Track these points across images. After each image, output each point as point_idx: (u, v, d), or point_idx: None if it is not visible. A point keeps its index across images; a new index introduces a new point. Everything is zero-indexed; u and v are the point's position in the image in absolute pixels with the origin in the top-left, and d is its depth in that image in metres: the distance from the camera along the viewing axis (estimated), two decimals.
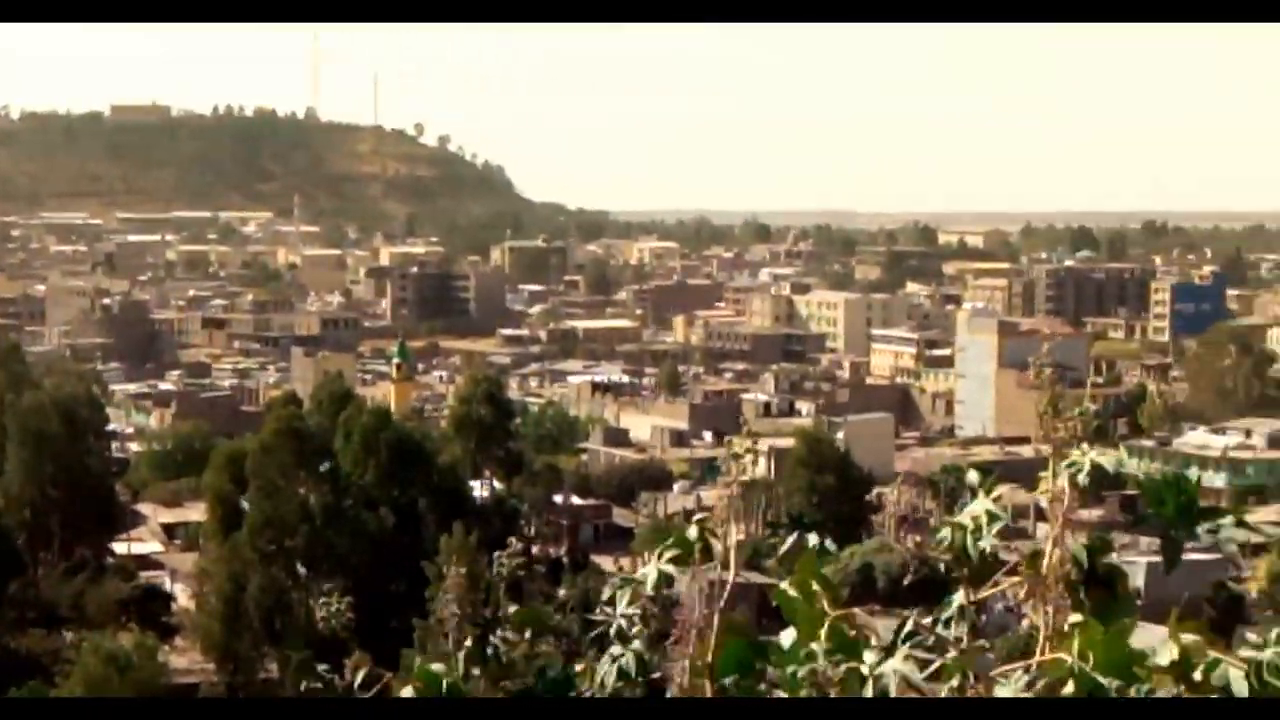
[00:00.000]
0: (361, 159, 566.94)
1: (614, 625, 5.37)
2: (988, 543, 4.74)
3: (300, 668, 6.56)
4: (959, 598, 4.72)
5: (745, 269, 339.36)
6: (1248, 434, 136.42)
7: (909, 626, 4.59)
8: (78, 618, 76.93)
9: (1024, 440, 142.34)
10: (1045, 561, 4.65)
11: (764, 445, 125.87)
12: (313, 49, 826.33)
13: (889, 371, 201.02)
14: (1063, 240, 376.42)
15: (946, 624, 4.69)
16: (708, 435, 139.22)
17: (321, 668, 6.53)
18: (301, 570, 76.56)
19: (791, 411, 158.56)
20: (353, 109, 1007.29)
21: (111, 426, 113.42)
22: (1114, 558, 5.08)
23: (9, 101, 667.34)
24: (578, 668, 5.65)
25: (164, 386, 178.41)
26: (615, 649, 5.31)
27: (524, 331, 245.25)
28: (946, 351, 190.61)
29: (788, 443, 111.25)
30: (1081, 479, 4.90)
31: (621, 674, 5.26)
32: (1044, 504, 4.99)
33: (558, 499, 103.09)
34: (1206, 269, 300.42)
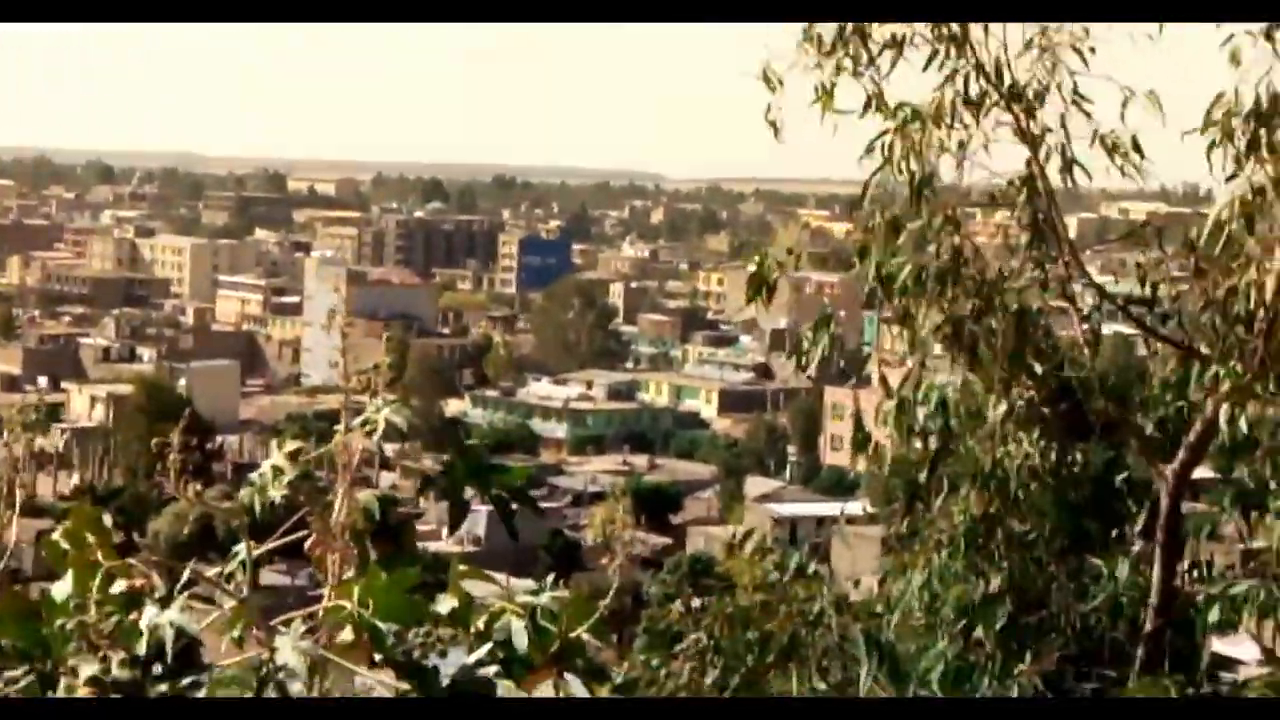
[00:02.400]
0: None
1: None
2: (277, 495, 4.73)
3: None
4: (242, 550, 4.68)
5: (87, 210, 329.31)
6: (589, 386, 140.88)
7: (186, 576, 4.50)
8: None
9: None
10: (334, 514, 4.65)
11: (102, 391, 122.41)
12: None
13: (235, 318, 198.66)
14: (413, 191, 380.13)
15: (229, 577, 4.64)
16: (43, 380, 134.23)
17: None
18: None
19: (133, 358, 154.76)
20: None
21: None
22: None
23: None
24: None
25: None
26: None
27: None
28: (295, 299, 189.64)
29: (129, 390, 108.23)
30: (376, 436, 4.86)
31: None
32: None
33: None
34: (554, 224, 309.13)
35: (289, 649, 4.23)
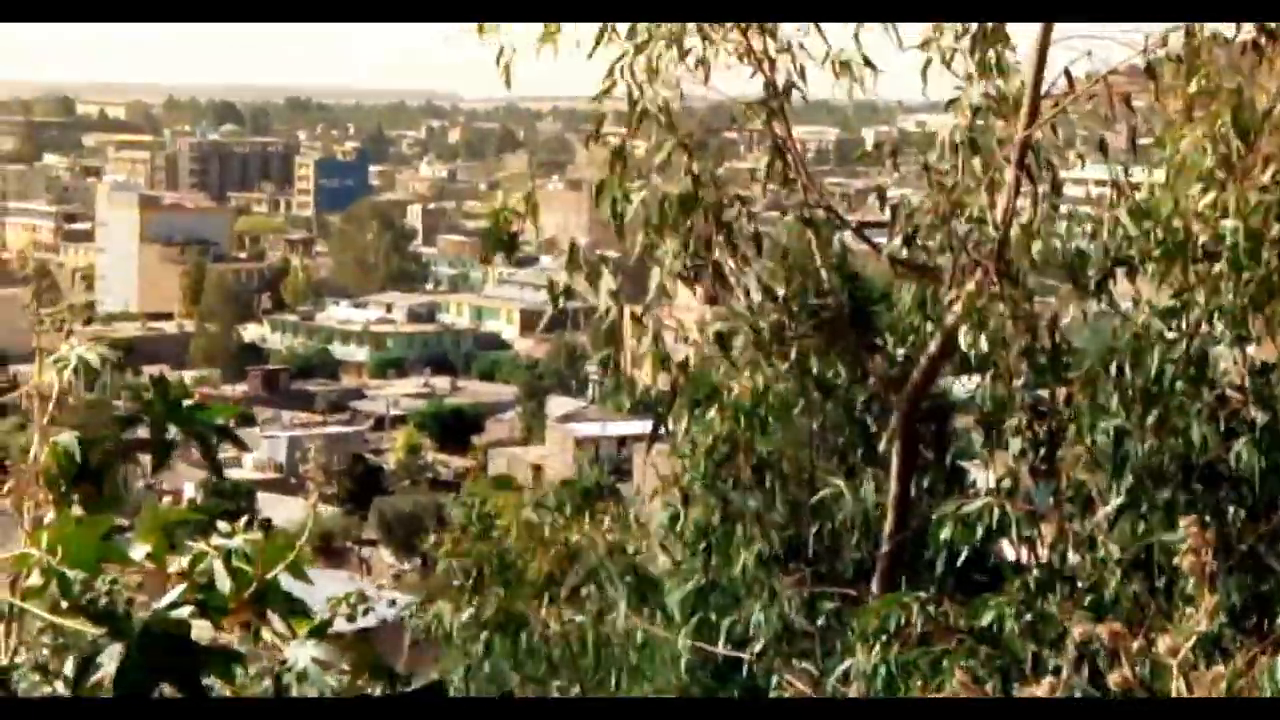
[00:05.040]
0: None
1: None
2: None
3: None
4: None
5: None
6: (389, 309, 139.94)
7: None
8: None
9: (168, 316, 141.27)
10: (31, 457, 4.57)
11: None
12: None
13: (23, 246, 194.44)
14: (206, 115, 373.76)
15: None
16: None
17: None
18: None
19: None
20: None
21: None
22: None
23: None
24: None
25: None
26: None
27: None
28: (87, 226, 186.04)
29: None
30: (67, 375, 4.75)
31: None
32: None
33: None
34: (350, 145, 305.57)
35: None
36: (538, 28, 9.29)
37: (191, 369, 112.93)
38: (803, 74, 9.74)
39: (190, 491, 65.46)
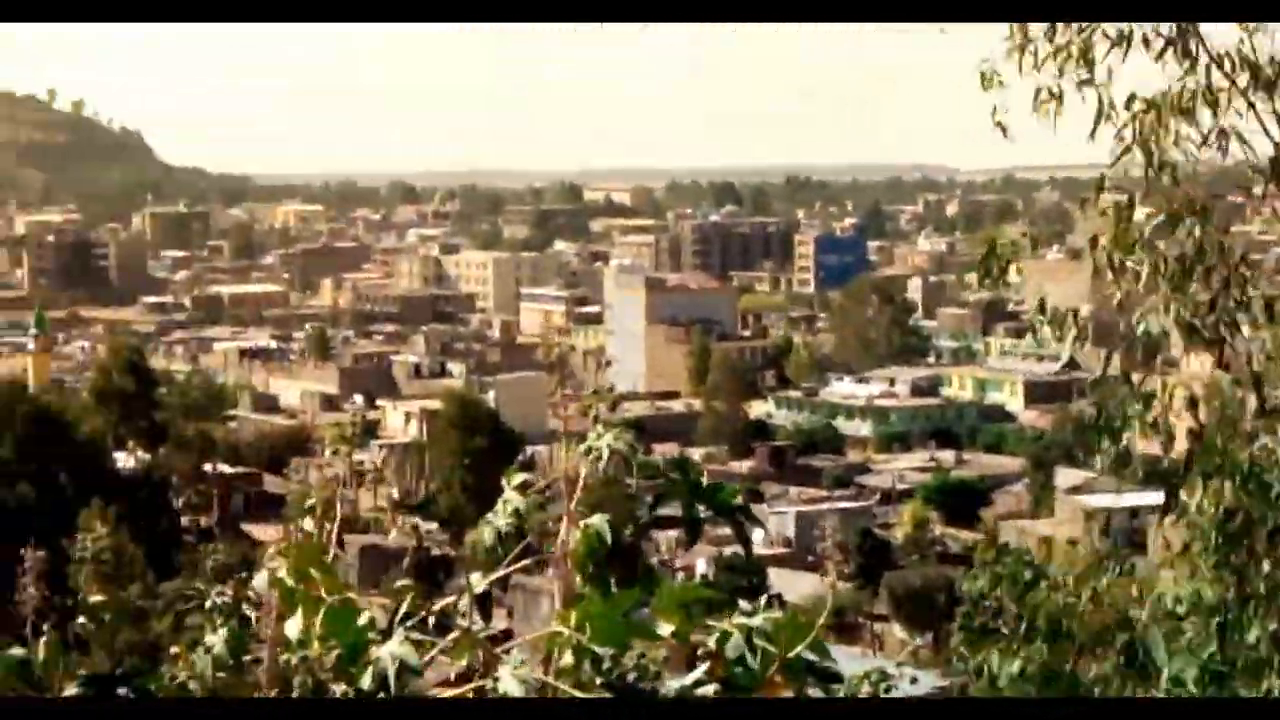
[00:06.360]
0: None
1: (208, 605, 5.19)
2: (504, 523, 4.93)
3: None
4: (474, 579, 4.85)
5: (392, 231, 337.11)
6: (891, 383, 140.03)
7: (404, 608, 4.62)
8: None
9: (674, 395, 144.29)
10: (560, 540, 4.79)
11: (415, 407, 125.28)
12: None
13: (539, 330, 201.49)
14: (707, 196, 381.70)
15: (460, 610, 4.81)
16: (359, 399, 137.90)
17: None
18: None
19: (443, 373, 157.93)
20: None
21: None
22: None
23: None
24: (174, 650, 5.22)
25: None
26: (209, 638, 5.06)
27: (168, 299, 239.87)
28: (596, 309, 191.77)
29: (439, 405, 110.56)
30: (601, 464, 4.93)
31: (217, 664, 5.02)
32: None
33: (208, 468, 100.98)
34: (848, 221, 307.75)
35: (509, 677, 4.32)
36: (1027, 90, 9.34)
37: (699, 446, 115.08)
38: None
39: (702, 567, 66.57)
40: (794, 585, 62.84)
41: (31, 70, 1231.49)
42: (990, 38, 9.62)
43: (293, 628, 4.53)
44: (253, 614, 5.15)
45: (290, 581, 4.61)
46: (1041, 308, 9.95)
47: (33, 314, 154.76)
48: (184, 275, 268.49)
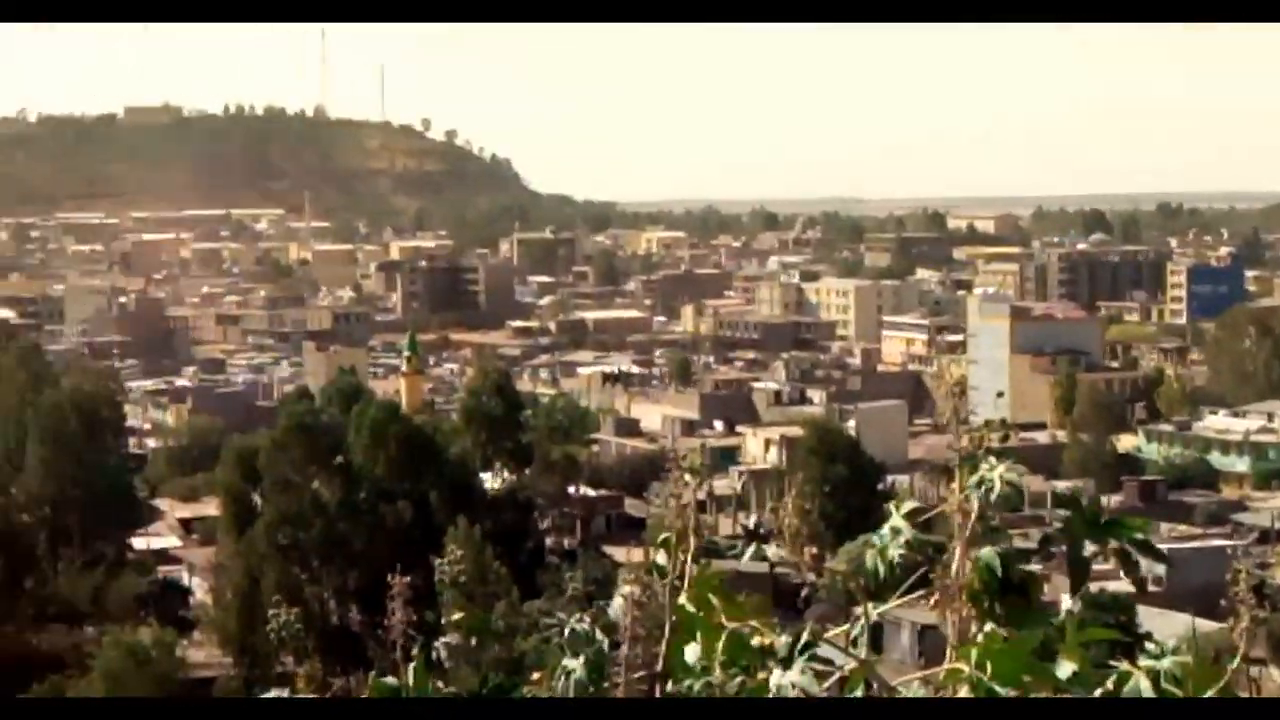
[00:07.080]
0: (370, 154, 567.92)
1: (567, 631, 5.26)
2: (896, 552, 4.83)
3: None
4: (868, 610, 4.77)
5: (753, 258, 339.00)
6: (1270, 417, 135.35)
7: (805, 637, 4.56)
8: (98, 613, 77.59)
9: (1039, 426, 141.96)
10: (952, 572, 4.69)
11: (774, 434, 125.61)
12: (320, 46, 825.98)
13: (900, 358, 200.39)
14: (1074, 224, 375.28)
15: (854, 640, 4.73)
16: (719, 424, 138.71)
17: None
18: (315, 564, 76.76)
19: (803, 400, 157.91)
20: (360, 105, 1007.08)
21: (129, 423, 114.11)
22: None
23: (26, 106, 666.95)
24: (535, 676, 5.33)
25: (180, 382, 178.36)
26: (568, 662, 5.15)
27: (534, 323, 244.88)
28: (958, 338, 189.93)
29: (799, 432, 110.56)
30: (993, 496, 4.85)
31: (578, 687, 5.11)
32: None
33: (571, 490, 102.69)
34: (1223, 250, 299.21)
35: None
36: None
37: (1064, 479, 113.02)
38: None
39: (1067, 603, 65.16)
40: (1165, 626, 61.16)
41: (406, 100, 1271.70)
42: None
43: (691, 653, 4.56)
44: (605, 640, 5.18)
45: (690, 608, 4.62)
46: None
47: (405, 337, 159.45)
48: (549, 300, 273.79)
